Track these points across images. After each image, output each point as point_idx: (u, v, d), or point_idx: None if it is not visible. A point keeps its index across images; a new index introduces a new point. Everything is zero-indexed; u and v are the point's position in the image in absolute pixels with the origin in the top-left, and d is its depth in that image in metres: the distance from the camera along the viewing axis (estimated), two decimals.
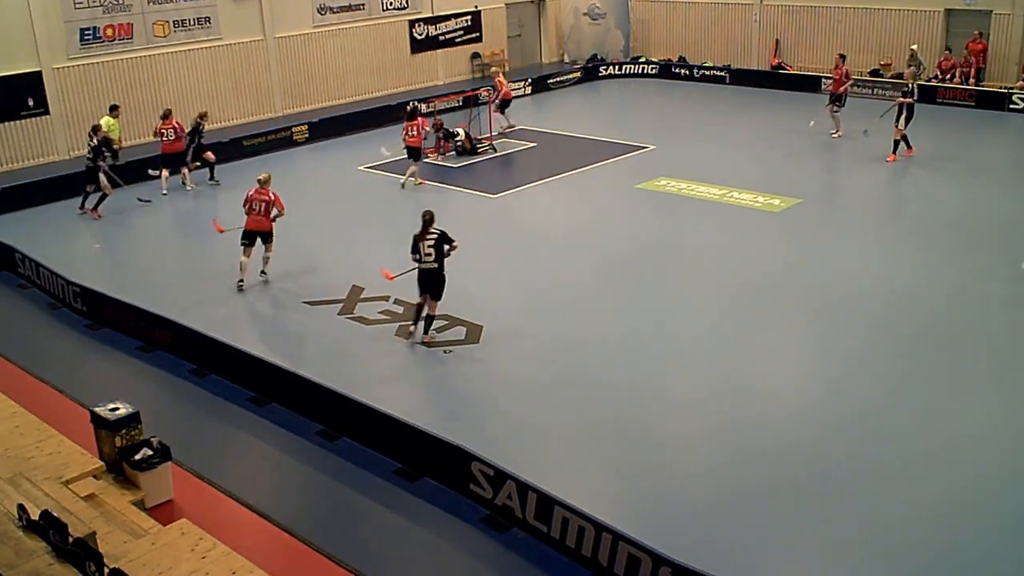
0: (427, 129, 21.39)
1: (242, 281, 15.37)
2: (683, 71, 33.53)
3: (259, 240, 15.35)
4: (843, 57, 24.71)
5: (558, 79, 32.37)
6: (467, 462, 9.69)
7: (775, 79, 31.44)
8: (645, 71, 33.95)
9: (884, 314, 13.77)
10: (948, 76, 29.00)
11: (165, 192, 20.84)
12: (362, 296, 14.85)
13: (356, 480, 10.25)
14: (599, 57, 35.17)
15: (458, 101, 26.60)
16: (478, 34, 33.14)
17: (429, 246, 13.04)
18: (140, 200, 20.13)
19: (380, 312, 14.25)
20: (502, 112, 25.26)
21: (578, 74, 32.96)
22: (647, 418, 11.24)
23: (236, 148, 23.64)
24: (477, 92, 27.34)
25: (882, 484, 9.74)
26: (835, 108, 24.01)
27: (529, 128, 25.84)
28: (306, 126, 25.47)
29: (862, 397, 11.44)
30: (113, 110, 21.43)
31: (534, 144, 24.42)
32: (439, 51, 32.12)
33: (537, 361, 12.68)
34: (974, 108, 27.28)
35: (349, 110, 27.21)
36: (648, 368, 12.41)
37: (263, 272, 15.61)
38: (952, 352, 12.55)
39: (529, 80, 31.36)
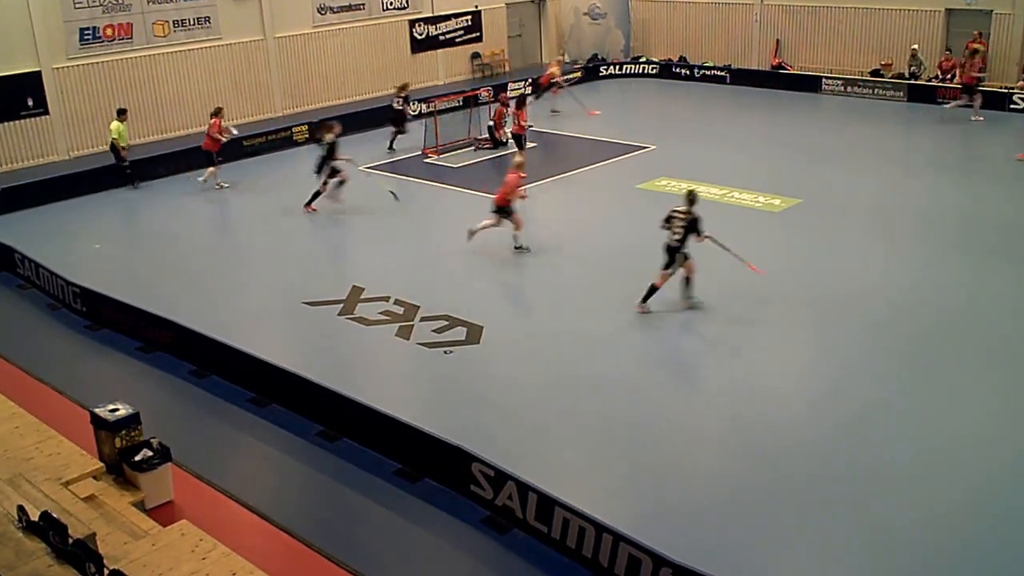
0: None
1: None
2: (684, 71, 33.54)
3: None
4: None
5: (559, 79, 32.35)
6: (467, 463, 9.69)
7: (776, 79, 31.45)
8: (646, 71, 33.97)
9: (885, 314, 13.76)
10: (948, 76, 28.99)
11: (225, 185, 20.99)
12: (362, 297, 14.85)
13: (356, 481, 10.25)
14: (599, 57, 35.18)
15: (458, 101, 26.60)
16: (478, 34, 33.15)
17: (680, 225, 13.52)
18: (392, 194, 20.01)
19: (380, 312, 14.25)
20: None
21: (579, 74, 32.95)
22: (648, 419, 11.24)
23: (236, 148, 23.64)
24: (477, 92, 27.34)
25: (885, 485, 9.74)
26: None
27: (530, 128, 25.82)
28: (306, 126, 25.48)
29: (864, 398, 11.44)
30: (121, 114, 21.25)
31: (534, 144, 24.40)
32: (439, 51, 32.14)
33: (538, 362, 12.68)
34: (969, 107, 27.25)
35: (349, 110, 27.21)
36: (649, 369, 12.42)
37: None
38: (955, 353, 12.54)
39: (530, 80, 31.37)
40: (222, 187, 21.29)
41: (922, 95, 28.39)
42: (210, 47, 26.24)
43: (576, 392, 11.85)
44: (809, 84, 30.72)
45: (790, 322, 13.76)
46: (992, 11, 29.03)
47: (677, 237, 13.61)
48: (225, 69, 26.59)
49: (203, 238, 18.26)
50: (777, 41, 33.11)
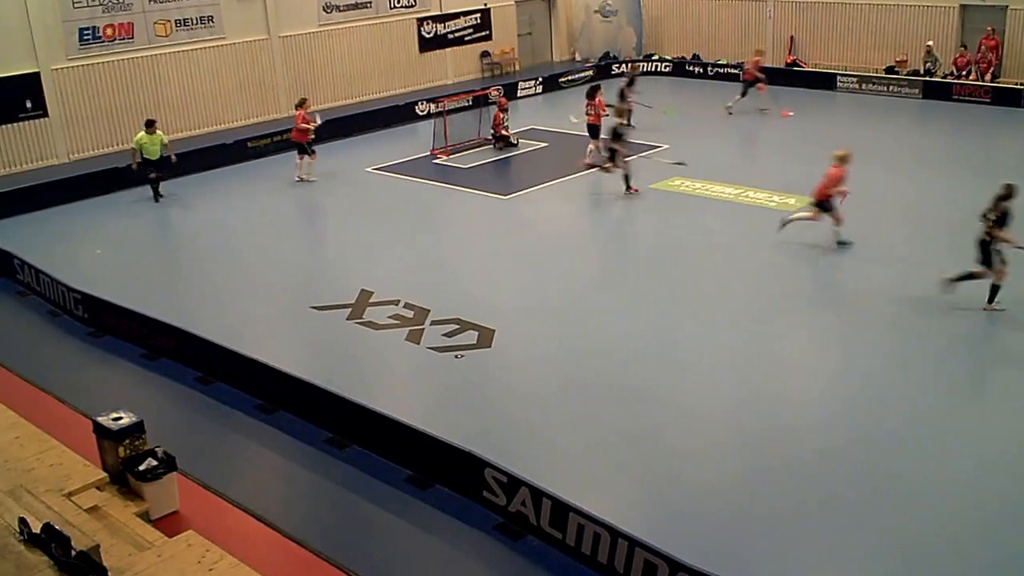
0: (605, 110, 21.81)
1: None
2: (697, 69, 33.42)
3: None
4: None
5: (570, 78, 32.29)
6: (480, 469, 9.60)
7: (790, 76, 31.31)
8: (658, 69, 33.85)
9: (906, 317, 13.63)
10: (964, 72, 28.85)
11: (314, 179, 21.25)
12: (371, 300, 14.78)
13: (366, 488, 10.17)
14: (611, 55, 35.09)
15: (468, 100, 26.54)
16: (488, 32, 33.09)
17: (992, 221, 13.39)
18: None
19: (390, 317, 14.17)
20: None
21: (590, 73, 32.87)
22: (663, 424, 11.14)
23: (241, 150, 23.63)
24: (487, 91, 27.27)
25: (907, 497, 9.61)
26: None
27: (541, 128, 25.76)
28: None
29: (887, 406, 11.31)
30: (149, 125, 20.33)
31: (545, 144, 24.34)
32: (448, 50, 32.08)
33: (550, 366, 12.59)
34: (990, 105, 27.15)
35: (356, 110, 27.17)
36: (664, 373, 12.32)
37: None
38: (985, 363, 12.44)
39: (540, 79, 31.30)
40: (307, 180, 21.51)
41: (938, 92, 28.24)
42: (214, 47, 26.21)
43: (590, 396, 11.75)
44: (824, 81, 30.57)
45: (809, 326, 13.65)
46: (1007, 6, 28.88)
47: (986, 231, 13.47)
48: (229, 69, 26.56)
49: (208, 242, 18.20)
50: (791, 38, 32.99)
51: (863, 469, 10.06)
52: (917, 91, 28.75)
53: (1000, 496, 9.54)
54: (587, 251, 16.78)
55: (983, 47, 28.67)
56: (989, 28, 28.79)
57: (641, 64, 27.03)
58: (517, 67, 33.84)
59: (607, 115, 21.58)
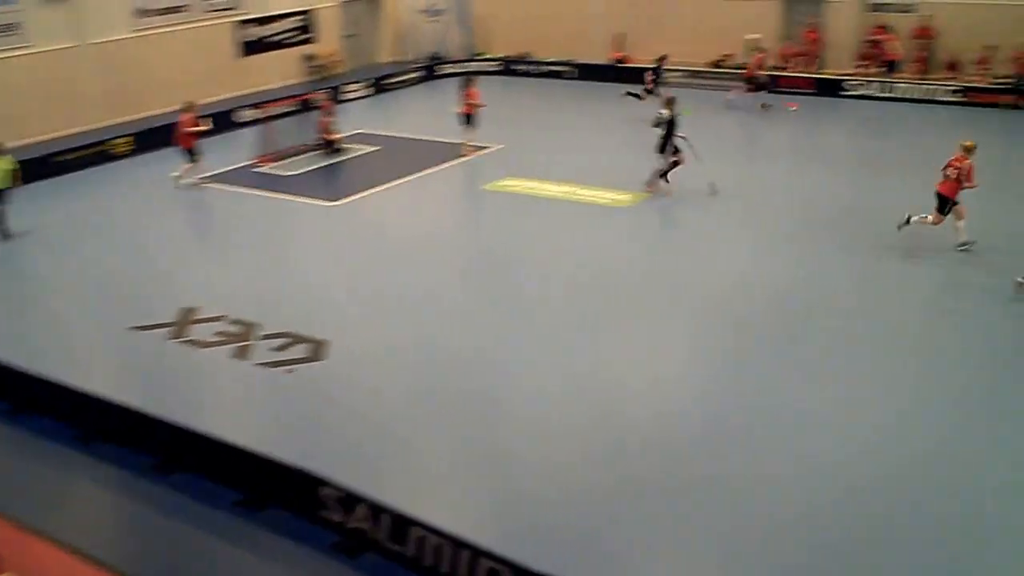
0: None
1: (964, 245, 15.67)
2: (527, 67, 33.86)
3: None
4: None
5: (398, 79, 32.22)
6: (315, 486, 9.45)
7: (620, 73, 32.05)
8: (488, 68, 34.13)
9: (737, 305, 14.17)
10: (788, 64, 30.24)
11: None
12: (196, 317, 14.35)
13: (196, 515, 9.86)
14: (440, 55, 35.18)
15: (292, 105, 26.10)
16: (312, 34, 32.61)
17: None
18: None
19: (215, 333, 13.79)
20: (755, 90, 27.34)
21: (419, 73, 32.86)
22: (505, 426, 11.23)
23: (43, 166, 22.32)
24: (312, 95, 26.90)
25: (741, 484, 9.98)
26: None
27: (370, 131, 25.61)
28: (132, 137, 24.50)
29: (718, 391, 11.73)
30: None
31: (376, 147, 24.21)
32: (271, 53, 31.43)
33: (387, 375, 12.52)
34: (815, 95, 28.55)
35: (175, 119, 26.30)
36: (504, 374, 12.41)
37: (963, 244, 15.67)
38: (806, 342, 13.00)
39: (367, 81, 31.10)
40: (192, 185, 21.17)
41: (764, 84, 29.44)
42: (18, 55, 24.91)
43: (428, 403, 11.74)
44: (641, 77, 31.39)
45: (645, 319, 14.00)
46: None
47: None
48: (35, 79, 25.27)
49: (9, 262, 17.30)
50: (619, 34, 33.78)
51: (699, 455, 10.40)
52: (742, 85, 29.84)
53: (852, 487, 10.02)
54: (422, 256, 16.75)
55: (806, 39, 30.10)
56: (810, 21, 30.25)
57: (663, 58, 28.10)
58: (343, 69, 33.52)
59: (484, 106, 22.66)
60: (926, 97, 27.50)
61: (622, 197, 19.18)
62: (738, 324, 13.57)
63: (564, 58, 33.57)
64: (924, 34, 28.91)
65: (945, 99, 27.34)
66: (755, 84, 27.50)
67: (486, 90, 31.29)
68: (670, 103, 19.34)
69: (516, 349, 13.10)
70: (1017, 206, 18.19)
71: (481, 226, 18.43)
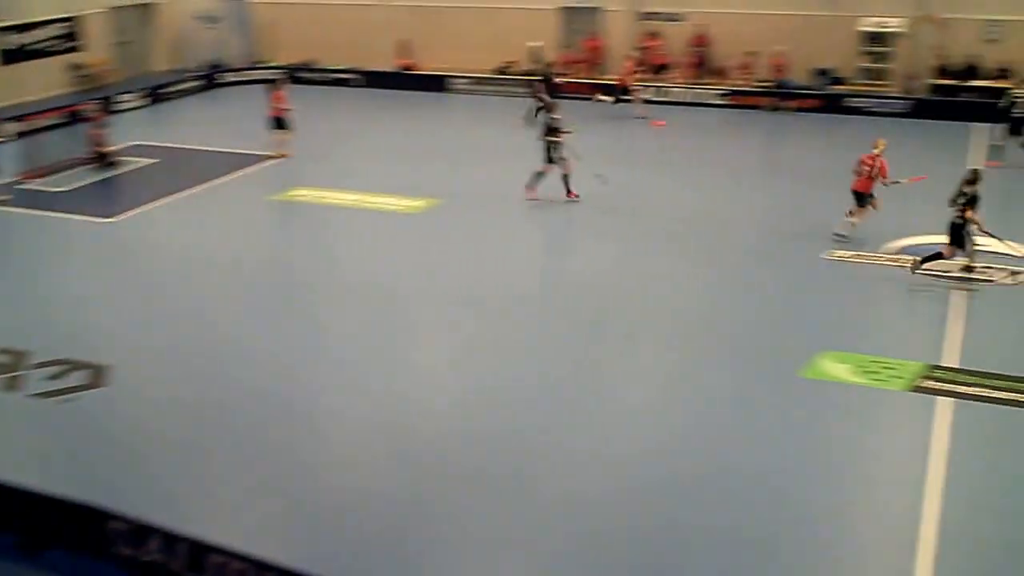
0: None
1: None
2: (313, 75, 33.32)
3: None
4: None
5: (176, 88, 30.97)
6: (102, 521, 8.84)
7: (407, 80, 32.01)
8: (272, 76, 33.27)
9: (526, 306, 14.31)
10: (570, 72, 30.97)
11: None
12: None
13: None
14: (220, 63, 34.08)
15: (62, 117, 24.58)
16: (79, 42, 30.89)
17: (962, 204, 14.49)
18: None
19: None
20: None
21: (198, 82, 31.73)
22: (303, 439, 10.86)
23: None
24: (81, 105, 25.44)
25: (543, 482, 10.06)
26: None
27: (148, 143, 24.46)
28: None
29: (514, 389, 11.78)
30: None
31: (154, 160, 23.13)
32: (33, 62, 29.53)
33: (176, 397, 11.87)
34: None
35: None
36: (301, 386, 12.01)
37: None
38: (610, 338, 13.27)
39: (143, 90, 29.72)
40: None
41: (549, 91, 30.05)
42: None
43: (221, 422, 11.21)
44: (438, 84, 31.58)
45: (440, 322, 13.93)
46: (601, 8, 31.36)
47: (957, 215, 14.52)
48: None
49: None
50: (404, 42, 33.71)
51: (498, 453, 10.40)
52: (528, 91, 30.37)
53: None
54: (208, 269, 16.08)
55: (586, 47, 30.91)
56: (589, 29, 31.10)
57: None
58: (113, 78, 31.90)
59: (291, 109, 22.61)
60: (697, 100, 28.88)
61: (415, 204, 19.07)
62: (520, 324, 13.69)
63: (350, 65, 33.20)
64: (698, 42, 30.22)
65: (715, 102, 28.79)
66: (614, 94, 27.97)
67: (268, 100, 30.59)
68: (551, 108, 19.51)
69: (307, 358, 12.73)
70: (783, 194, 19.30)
71: (269, 237, 17.88)
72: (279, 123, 22.80)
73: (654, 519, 9.22)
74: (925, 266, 14.65)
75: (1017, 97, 21.91)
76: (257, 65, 34.06)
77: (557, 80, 26.88)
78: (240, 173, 21.80)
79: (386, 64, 33.39)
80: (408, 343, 13.28)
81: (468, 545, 9.03)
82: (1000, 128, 22.07)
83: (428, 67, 33.02)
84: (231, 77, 33.01)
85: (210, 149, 24.12)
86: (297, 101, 30.46)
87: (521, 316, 14.03)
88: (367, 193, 19.86)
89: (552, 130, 18.83)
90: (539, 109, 20.42)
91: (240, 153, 23.33)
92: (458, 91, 31.04)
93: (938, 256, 14.61)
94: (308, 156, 23.16)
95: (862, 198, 16.57)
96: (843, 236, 16.34)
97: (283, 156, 22.77)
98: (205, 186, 20.79)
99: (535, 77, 27.49)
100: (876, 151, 16.53)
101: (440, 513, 9.48)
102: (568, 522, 9.25)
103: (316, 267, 16.31)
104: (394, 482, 10.02)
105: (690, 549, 8.77)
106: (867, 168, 16.44)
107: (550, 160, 18.79)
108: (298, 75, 33.25)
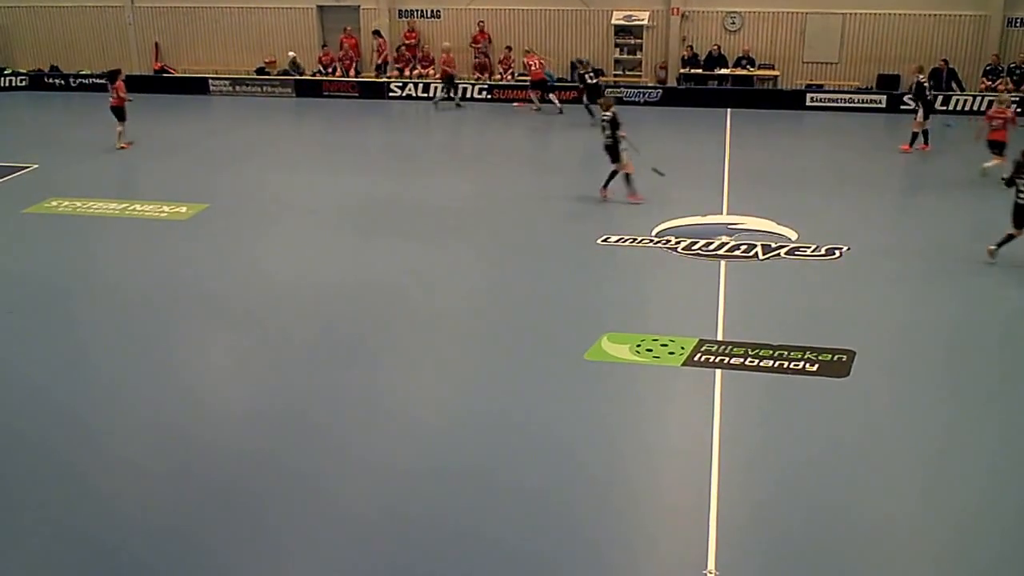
0: None
1: None
2: (59, 81, 31.41)
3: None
4: None
5: None
6: None
7: (165, 83, 30.73)
8: (13, 83, 31.21)
9: (304, 309, 13.95)
10: (330, 70, 30.58)
11: None
12: None
13: None
14: None
15: None
16: None
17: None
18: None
19: None
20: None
21: None
22: (61, 476, 10.11)
23: None
24: None
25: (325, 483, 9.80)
26: None
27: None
28: None
29: (285, 400, 11.43)
30: None
31: None
32: None
33: None
34: (359, 98, 29.20)
35: None
36: (74, 405, 11.19)
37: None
38: (387, 338, 13.07)
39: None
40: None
41: (309, 90, 29.66)
42: None
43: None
44: (197, 86, 30.47)
45: (211, 333, 13.34)
46: (359, 7, 31.15)
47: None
48: None
49: None
50: (156, 44, 32.32)
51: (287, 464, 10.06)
52: (290, 90, 29.82)
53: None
54: None
55: (344, 45, 30.59)
56: (347, 27, 30.75)
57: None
58: None
59: (130, 100, 23.39)
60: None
61: (180, 210, 18.24)
62: (282, 328, 13.31)
63: (99, 70, 31.48)
64: (479, 39, 30.37)
65: (479, 97, 29.20)
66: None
67: (14, 107, 28.68)
68: (608, 105, 18.65)
69: (63, 388, 11.89)
70: None
71: (26, 254, 16.59)
72: (119, 113, 23.23)
73: (442, 507, 9.13)
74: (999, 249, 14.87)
75: None
76: None
77: (592, 81, 26.10)
78: None
79: (140, 67, 31.91)
80: (183, 356, 12.64)
81: (262, 558, 8.69)
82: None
83: (183, 69, 31.82)
84: None
85: None
86: (42, 108, 28.82)
87: (300, 321, 13.64)
88: (129, 200, 18.83)
89: (616, 129, 18.25)
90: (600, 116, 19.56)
91: None
92: (219, 93, 29.99)
93: (1010, 239, 14.81)
94: (62, 164, 21.77)
95: (1000, 146, 19.04)
96: (1000, 175, 16.37)
97: (127, 146, 23.48)
98: None
99: (582, 83, 26.42)
100: (1003, 105, 19.67)
101: (236, 524, 9.06)
102: (359, 508, 9.07)
103: (72, 282, 15.21)
104: (175, 502, 9.49)
105: (480, 534, 8.75)
106: (1000, 120, 19.28)
107: (617, 158, 18.36)
108: (43, 82, 31.35)
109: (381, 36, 30.36)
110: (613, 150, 18.30)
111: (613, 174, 18.41)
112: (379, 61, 29.41)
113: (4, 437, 10.53)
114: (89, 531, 8.84)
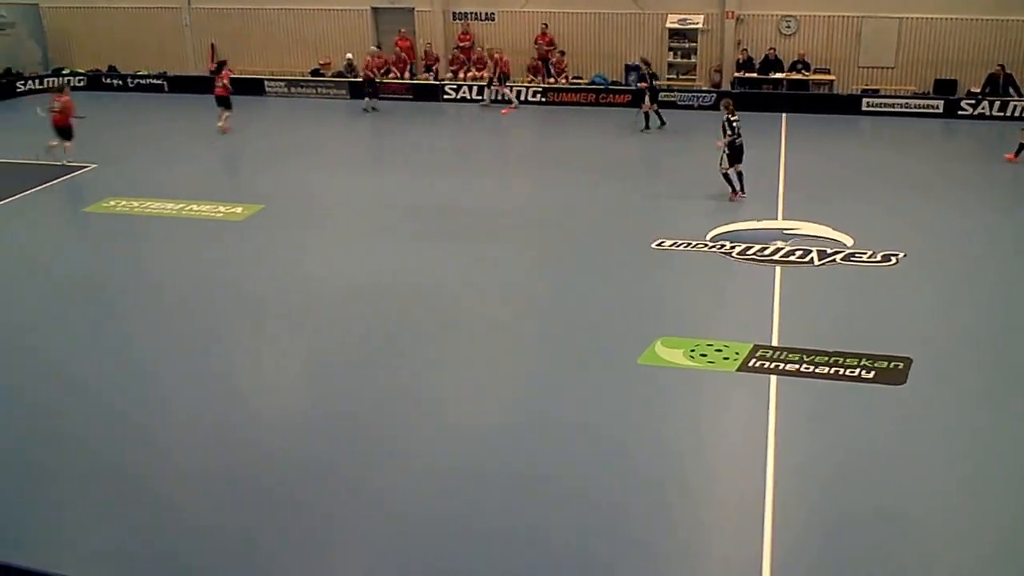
0: None
1: None
2: (116, 81, 32.03)
3: None
4: None
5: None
6: None
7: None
8: (72, 83, 31.82)
9: (358, 311, 14.14)
10: (383, 72, 30.84)
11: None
12: None
13: None
14: (14, 71, 32.27)
15: None
16: None
17: None
18: None
19: None
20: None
21: None
22: (143, 460, 10.38)
23: None
24: None
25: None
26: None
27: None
28: None
29: (338, 402, 11.62)
30: None
31: None
32: None
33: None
34: (412, 100, 29.45)
35: None
36: (130, 406, 11.48)
37: None
38: (449, 336, 13.23)
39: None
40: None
41: (364, 92, 29.92)
42: None
43: (27, 451, 10.59)
44: (253, 87, 30.88)
45: (269, 333, 13.59)
46: (414, 8, 31.40)
47: None
48: None
49: None
50: (212, 45, 32.83)
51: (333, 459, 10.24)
52: (344, 92, 30.13)
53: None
54: (15, 293, 15.18)
55: (398, 47, 30.87)
56: (401, 29, 31.02)
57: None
58: None
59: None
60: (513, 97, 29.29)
61: (236, 210, 18.57)
62: (336, 330, 13.52)
63: (155, 71, 32.07)
64: (543, 39, 30.43)
65: (532, 99, 29.30)
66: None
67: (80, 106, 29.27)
68: (728, 106, 19.17)
69: (120, 382, 12.18)
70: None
71: (86, 251, 17.01)
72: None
73: (497, 510, 9.24)
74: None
75: None
76: (57, 73, 32.46)
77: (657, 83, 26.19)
78: (47, 185, 20.68)
79: (192, 68, 32.45)
80: (235, 357, 12.91)
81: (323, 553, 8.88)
82: None
83: (239, 70, 32.30)
84: (29, 86, 31.32)
85: (10, 161, 22.81)
86: (101, 108, 29.41)
87: (353, 323, 13.85)
88: (186, 200, 19.21)
89: (736, 132, 18.75)
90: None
91: (44, 164, 22.16)
92: (274, 94, 30.42)
93: None
94: (121, 164, 22.24)
95: None
96: None
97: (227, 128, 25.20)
98: (10, 200, 19.63)
99: (649, 84, 25.86)
100: None
101: (290, 524, 9.27)
102: (406, 509, 9.21)
103: (134, 281, 15.60)
104: (225, 503, 9.71)
105: (535, 537, 8.85)
106: None
107: (740, 159, 18.95)
108: (101, 81, 32.00)
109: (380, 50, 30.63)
110: (740, 151, 18.89)
111: (740, 175, 19.03)
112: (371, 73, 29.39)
113: (57, 434, 10.86)
114: (145, 527, 9.11)
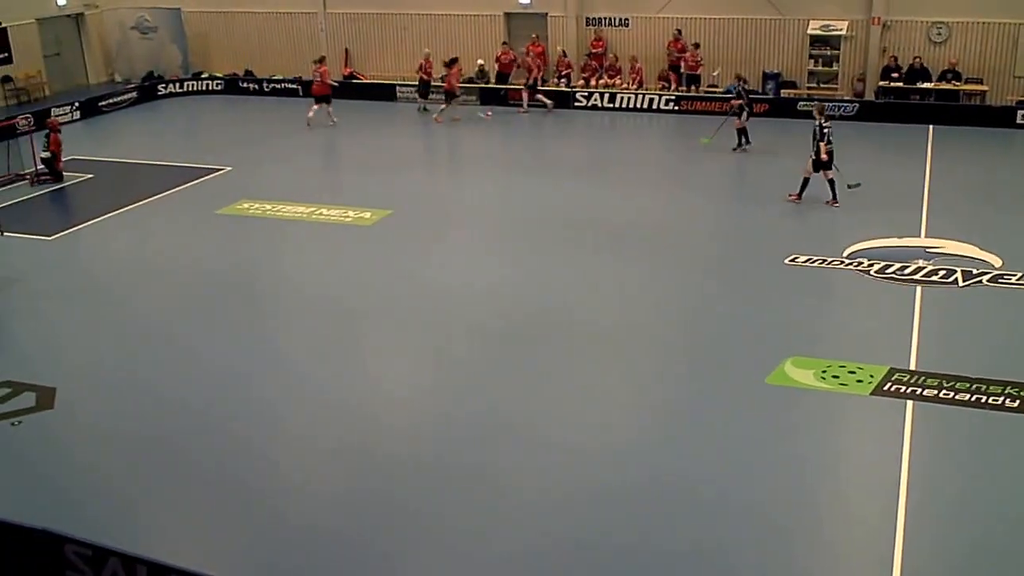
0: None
1: None
2: (251, 85, 33.17)
3: None
4: None
5: (111, 101, 30.59)
6: (58, 546, 8.73)
7: (350, 89, 31.96)
8: (210, 87, 33.19)
9: (488, 319, 14.38)
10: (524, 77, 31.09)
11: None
12: None
13: None
14: (156, 75, 33.80)
15: None
16: (7, 55, 30.44)
17: None
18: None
19: None
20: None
21: (134, 94, 31.42)
22: (254, 463, 10.79)
23: None
24: (14, 121, 25.11)
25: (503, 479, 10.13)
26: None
27: (82, 157, 24.13)
28: None
29: (481, 413, 11.83)
30: None
31: (91, 175, 22.84)
32: None
33: (124, 418, 11.75)
34: (543, 107, 29.68)
35: None
36: (251, 409, 11.95)
37: None
38: (578, 350, 13.36)
39: (76, 104, 29.30)
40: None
41: (494, 98, 30.26)
42: None
43: (171, 446, 11.10)
44: (384, 92, 31.55)
45: (396, 337, 13.95)
46: (547, 14, 31.63)
47: None
48: None
49: None
50: (347, 50, 33.69)
51: (468, 466, 10.44)
52: (475, 98, 30.51)
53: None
54: (155, 287, 15.93)
55: (530, 53, 31.05)
56: (534, 35, 31.26)
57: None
58: (47, 92, 31.53)
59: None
60: (645, 106, 29.12)
61: (365, 215, 19.07)
62: (478, 341, 13.75)
63: (290, 75, 33.08)
64: (676, 46, 30.23)
65: (664, 108, 29.10)
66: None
67: (211, 110, 30.51)
68: (821, 111, 19.64)
69: (259, 381, 12.66)
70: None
71: (218, 252, 17.73)
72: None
73: (623, 530, 9.31)
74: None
75: None
76: (196, 76, 33.83)
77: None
78: (184, 186, 21.62)
79: (330, 73, 33.34)
80: (370, 362, 13.29)
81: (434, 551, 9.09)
82: None
83: (371, 75, 33.06)
84: (170, 89, 32.76)
85: (150, 163, 23.91)
86: (237, 112, 30.57)
87: (479, 331, 14.09)
88: (316, 205, 19.82)
89: (826, 139, 18.94)
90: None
91: (182, 166, 23.18)
92: (404, 100, 31.05)
93: None
94: (253, 167, 23.07)
95: None
96: None
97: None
98: (148, 201, 20.61)
99: (737, 98, 24.38)
100: None
101: (407, 522, 9.51)
102: (536, 528, 9.35)
103: (266, 281, 16.25)
104: (354, 510, 10.01)
105: (659, 558, 8.88)
106: None
107: (829, 166, 19.13)
108: (237, 86, 33.17)
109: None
110: (830, 157, 18.86)
111: (832, 183, 18.94)
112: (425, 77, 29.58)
113: (201, 422, 11.39)
114: (281, 510, 9.48)
